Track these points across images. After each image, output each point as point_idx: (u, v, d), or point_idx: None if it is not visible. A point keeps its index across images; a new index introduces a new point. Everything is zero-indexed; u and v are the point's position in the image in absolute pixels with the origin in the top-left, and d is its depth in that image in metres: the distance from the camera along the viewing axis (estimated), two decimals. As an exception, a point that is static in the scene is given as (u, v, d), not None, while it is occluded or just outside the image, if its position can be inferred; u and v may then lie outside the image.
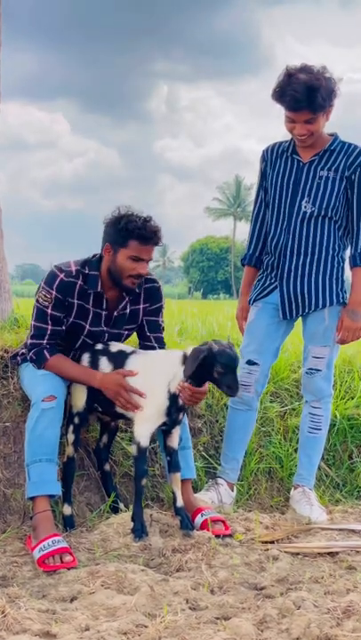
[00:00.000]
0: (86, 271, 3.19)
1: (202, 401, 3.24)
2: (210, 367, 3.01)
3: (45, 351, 3.19)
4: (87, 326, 3.25)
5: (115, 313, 3.29)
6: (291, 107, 3.43)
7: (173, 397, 3.10)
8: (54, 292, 3.14)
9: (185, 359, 3.09)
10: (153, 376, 3.13)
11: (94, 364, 3.23)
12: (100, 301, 3.24)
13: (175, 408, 3.12)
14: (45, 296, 3.15)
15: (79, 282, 3.18)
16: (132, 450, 3.15)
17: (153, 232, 3.12)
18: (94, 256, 3.26)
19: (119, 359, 3.21)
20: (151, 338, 3.40)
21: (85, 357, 3.26)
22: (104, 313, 3.26)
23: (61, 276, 3.15)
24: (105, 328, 3.30)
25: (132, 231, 3.08)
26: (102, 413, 3.33)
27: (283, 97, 3.42)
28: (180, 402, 3.10)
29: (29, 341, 3.23)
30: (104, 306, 3.25)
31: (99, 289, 3.20)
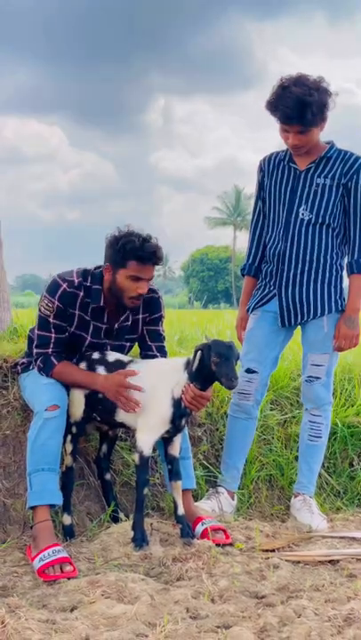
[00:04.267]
0: (88, 284, 3.19)
1: (204, 407, 3.24)
2: (208, 360, 3.00)
3: (52, 358, 3.20)
4: (88, 337, 3.25)
5: (116, 325, 3.29)
6: (282, 121, 3.47)
7: (177, 404, 3.10)
8: (56, 302, 3.14)
9: (187, 365, 3.10)
10: (156, 383, 3.12)
11: None
12: (100, 315, 3.24)
13: (178, 414, 3.12)
14: (48, 305, 3.16)
15: (81, 293, 3.17)
16: (135, 458, 3.14)
17: (151, 252, 3.08)
18: (97, 268, 3.25)
19: (117, 368, 3.19)
20: (153, 347, 3.39)
21: (82, 366, 3.25)
22: (104, 327, 3.26)
23: (64, 285, 3.15)
24: (107, 340, 3.30)
25: (130, 251, 3.06)
26: (101, 422, 3.33)
27: (275, 110, 3.46)
28: (183, 406, 3.09)
29: (35, 350, 3.23)
30: (104, 319, 3.25)
31: (101, 303, 3.20)
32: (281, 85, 3.44)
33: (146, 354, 3.40)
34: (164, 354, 3.41)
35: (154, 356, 3.37)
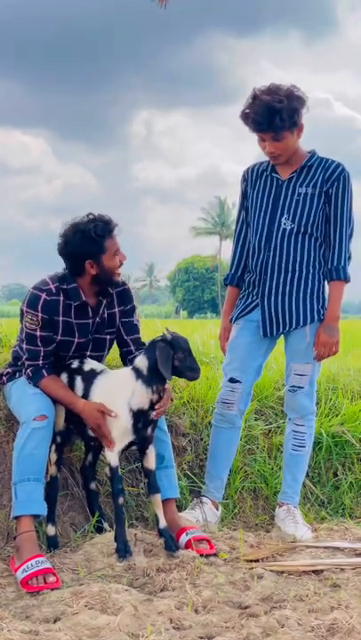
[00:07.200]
0: (65, 286, 3.21)
1: (168, 407, 3.28)
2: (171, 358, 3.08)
3: (43, 370, 3.21)
4: (76, 340, 3.27)
5: (97, 319, 3.31)
6: (253, 128, 3.51)
7: (137, 415, 3.10)
8: (40, 314, 3.15)
9: (136, 372, 3.11)
10: (114, 396, 3.14)
11: (71, 384, 3.25)
12: (85, 311, 3.25)
13: (143, 423, 3.13)
14: (32, 319, 3.16)
15: (61, 298, 3.19)
16: (107, 471, 3.15)
17: (110, 220, 3.23)
18: (64, 270, 3.27)
19: (89, 378, 3.22)
20: (129, 342, 3.42)
21: (63, 377, 3.27)
22: (91, 321, 3.29)
23: (43, 295, 3.16)
24: (89, 337, 3.31)
25: (102, 233, 3.16)
26: (77, 434, 3.35)
27: (247, 119, 3.51)
28: (150, 417, 3.11)
29: (26, 362, 3.24)
30: (90, 314, 3.27)
31: (83, 299, 3.22)
32: (253, 95, 3.49)
33: (123, 350, 3.44)
34: (140, 346, 3.42)
35: (130, 352, 3.40)
